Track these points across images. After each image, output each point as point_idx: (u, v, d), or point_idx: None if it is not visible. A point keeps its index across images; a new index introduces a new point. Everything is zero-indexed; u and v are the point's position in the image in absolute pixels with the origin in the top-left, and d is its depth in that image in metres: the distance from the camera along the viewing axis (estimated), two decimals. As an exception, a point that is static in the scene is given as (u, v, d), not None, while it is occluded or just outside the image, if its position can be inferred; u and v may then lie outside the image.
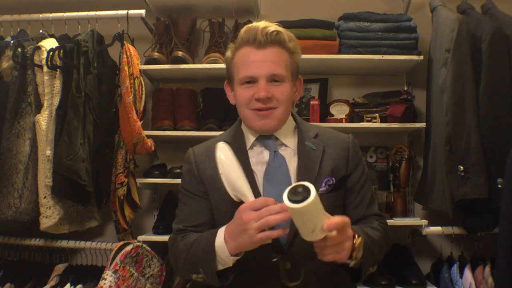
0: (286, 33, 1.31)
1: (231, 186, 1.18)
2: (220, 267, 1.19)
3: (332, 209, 1.16)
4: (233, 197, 1.19)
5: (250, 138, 1.36)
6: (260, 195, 1.26)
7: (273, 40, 1.28)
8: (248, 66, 1.28)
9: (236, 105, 1.35)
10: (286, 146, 1.34)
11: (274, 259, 1.16)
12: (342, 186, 1.32)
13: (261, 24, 1.29)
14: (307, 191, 1.05)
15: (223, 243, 1.17)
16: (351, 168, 1.35)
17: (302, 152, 1.32)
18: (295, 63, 1.34)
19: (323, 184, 1.28)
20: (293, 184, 1.09)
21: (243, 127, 1.39)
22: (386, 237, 1.32)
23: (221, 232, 1.19)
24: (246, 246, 1.14)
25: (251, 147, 1.35)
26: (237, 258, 1.18)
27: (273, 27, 1.29)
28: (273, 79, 1.28)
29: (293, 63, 1.32)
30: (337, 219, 1.10)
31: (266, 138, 1.34)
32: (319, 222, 1.07)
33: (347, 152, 1.35)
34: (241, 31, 1.32)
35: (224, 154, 1.20)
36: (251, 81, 1.28)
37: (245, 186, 1.18)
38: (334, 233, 1.08)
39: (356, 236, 1.17)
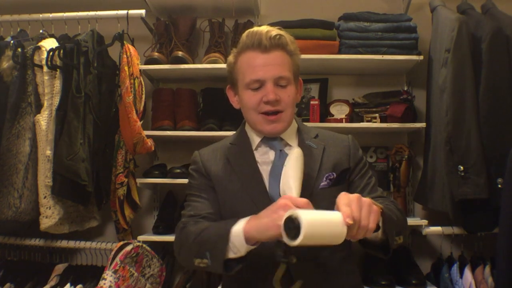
0: (287, 36, 1.34)
1: (285, 180, 1.19)
2: (231, 255, 1.16)
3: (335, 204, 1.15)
4: (279, 192, 1.19)
5: (254, 140, 1.38)
6: (267, 194, 1.29)
7: (276, 44, 1.30)
8: (254, 70, 1.30)
9: (242, 109, 1.37)
10: (290, 146, 1.37)
11: (283, 259, 1.12)
12: (343, 180, 1.34)
13: (263, 28, 1.32)
14: (297, 223, 1.01)
15: (241, 230, 1.15)
16: (352, 166, 1.38)
17: (303, 150, 1.33)
18: (296, 65, 1.36)
19: (324, 179, 1.31)
20: (284, 220, 1.05)
21: (247, 128, 1.42)
22: (398, 209, 1.31)
23: (243, 220, 1.17)
24: (266, 229, 1.11)
25: (256, 148, 1.38)
26: (251, 248, 1.15)
27: (275, 31, 1.31)
28: (279, 82, 1.31)
29: (294, 65, 1.35)
30: (347, 209, 1.05)
31: (272, 139, 1.37)
32: (332, 233, 1.03)
33: (347, 150, 1.39)
34: (242, 35, 1.34)
35: (297, 156, 1.23)
36: (258, 85, 1.30)
37: (297, 185, 1.17)
38: (350, 221, 1.04)
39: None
